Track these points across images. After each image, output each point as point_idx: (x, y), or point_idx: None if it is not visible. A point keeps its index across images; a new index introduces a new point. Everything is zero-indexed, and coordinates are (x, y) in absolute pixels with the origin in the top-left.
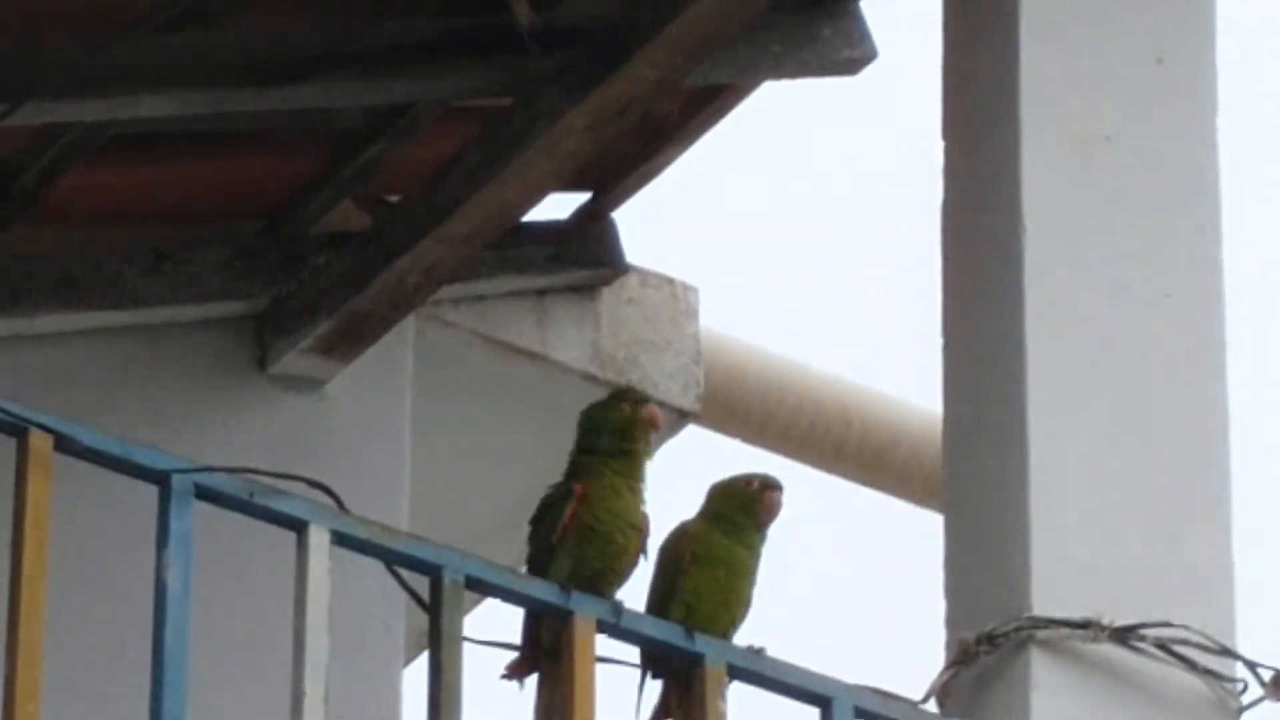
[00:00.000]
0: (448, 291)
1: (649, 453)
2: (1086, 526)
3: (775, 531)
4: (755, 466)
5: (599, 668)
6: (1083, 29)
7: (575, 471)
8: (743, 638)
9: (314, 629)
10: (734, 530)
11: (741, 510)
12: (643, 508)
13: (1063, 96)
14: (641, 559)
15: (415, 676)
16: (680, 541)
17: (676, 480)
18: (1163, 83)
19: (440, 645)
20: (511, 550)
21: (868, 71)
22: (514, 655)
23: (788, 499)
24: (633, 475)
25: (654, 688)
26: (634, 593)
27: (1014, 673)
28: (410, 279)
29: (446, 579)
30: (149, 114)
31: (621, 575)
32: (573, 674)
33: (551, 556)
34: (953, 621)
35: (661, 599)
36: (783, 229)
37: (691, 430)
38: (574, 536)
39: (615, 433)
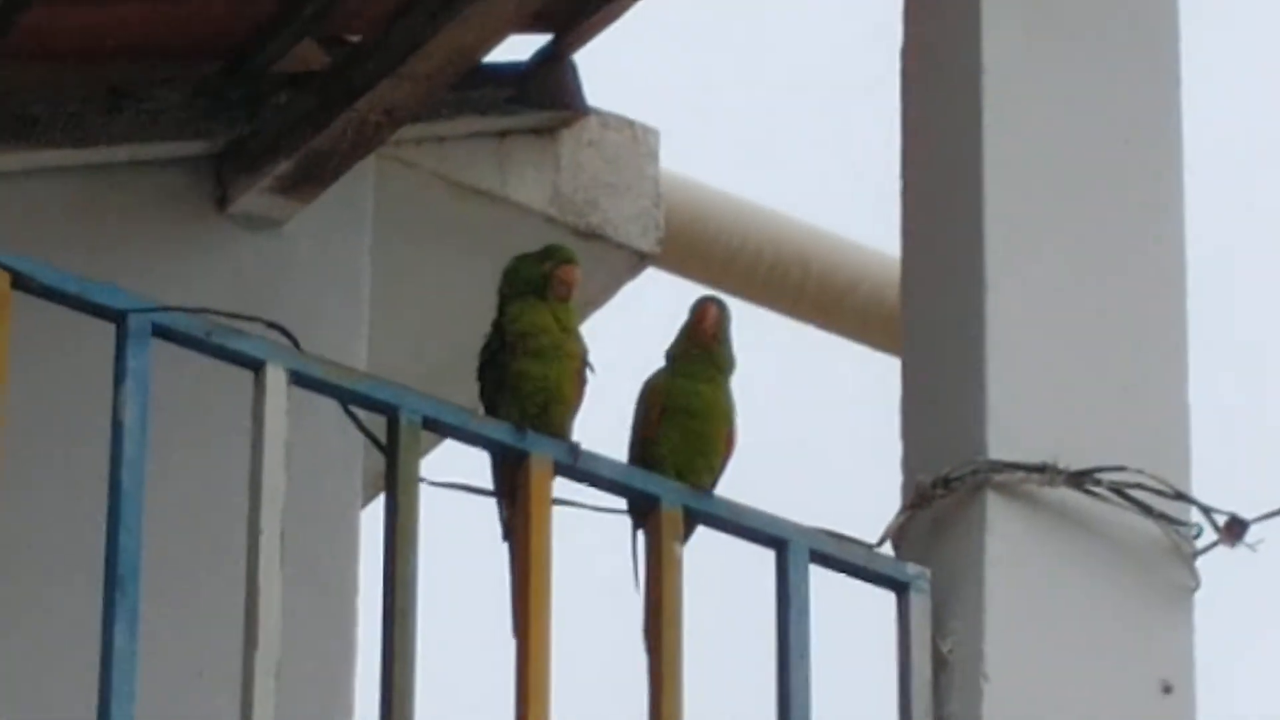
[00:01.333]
0: (408, 132)
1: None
2: (1043, 371)
3: (736, 376)
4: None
5: (559, 512)
6: None
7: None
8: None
9: (271, 469)
10: (696, 371)
11: (534, 286)
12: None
13: None
14: (589, 377)
15: (372, 518)
16: (648, 397)
17: (637, 322)
18: None
19: (397, 487)
20: (469, 392)
21: None
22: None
23: (747, 341)
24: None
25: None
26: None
27: (969, 516)
28: (371, 119)
29: (404, 419)
30: None
31: (569, 405)
32: (529, 516)
33: (500, 397)
34: (908, 465)
35: (640, 458)
36: (744, 71)
37: (652, 273)
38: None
39: (534, 286)
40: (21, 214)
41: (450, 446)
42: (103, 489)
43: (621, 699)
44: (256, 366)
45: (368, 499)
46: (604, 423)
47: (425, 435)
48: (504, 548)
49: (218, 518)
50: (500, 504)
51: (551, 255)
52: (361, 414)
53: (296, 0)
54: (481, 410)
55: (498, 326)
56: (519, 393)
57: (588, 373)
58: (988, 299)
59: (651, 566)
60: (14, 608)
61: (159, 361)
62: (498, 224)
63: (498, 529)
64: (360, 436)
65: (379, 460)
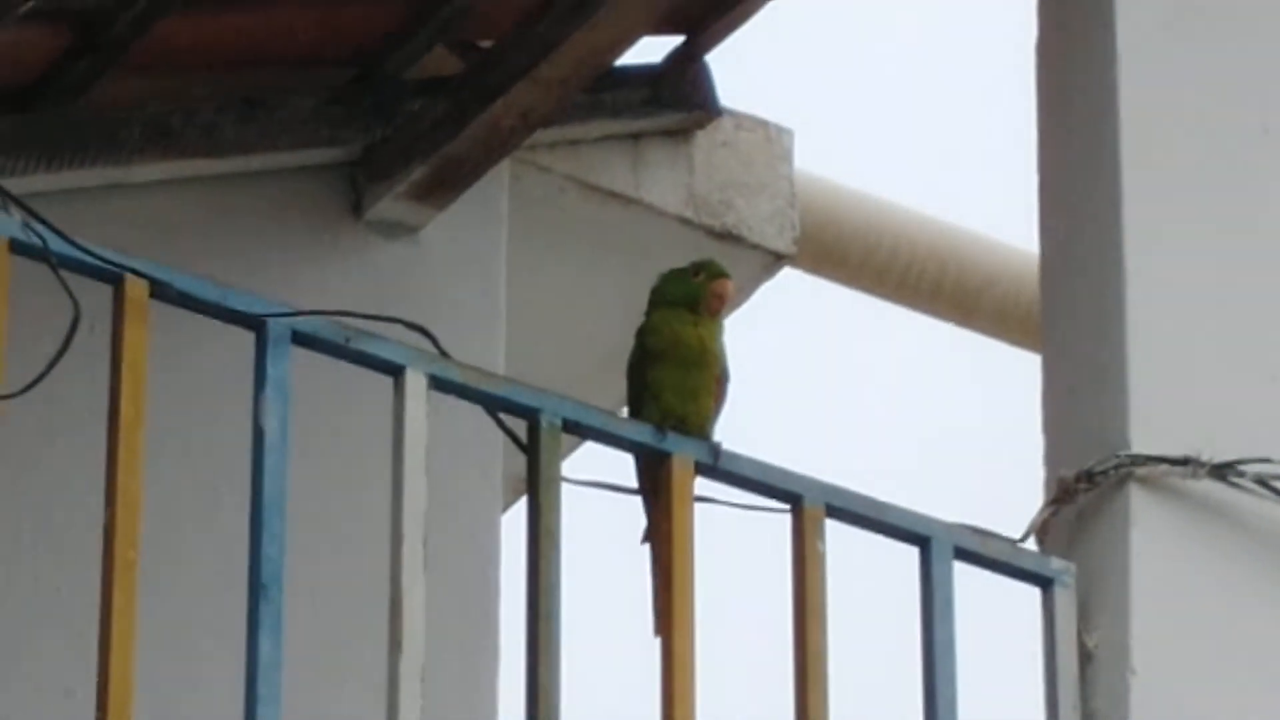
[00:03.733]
0: (542, 136)
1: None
2: (1185, 363)
3: (876, 374)
4: (850, 307)
5: (699, 508)
6: None
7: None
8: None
9: (412, 473)
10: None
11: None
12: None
13: None
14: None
15: (514, 520)
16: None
17: (773, 322)
18: None
19: (539, 488)
20: (608, 393)
21: None
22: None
23: (885, 340)
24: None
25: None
26: None
27: (1113, 510)
28: (504, 123)
29: (544, 422)
30: None
31: (708, 410)
32: (670, 516)
33: (641, 407)
34: (1051, 460)
35: (634, 402)
36: (877, 70)
37: (787, 273)
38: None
39: (683, 299)
40: (159, 224)
41: (591, 449)
42: (245, 497)
43: (764, 697)
44: (396, 372)
45: (508, 503)
46: (739, 420)
47: (566, 438)
48: (644, 549)
49: (360, 524)
50: (645, 503)
51: (705, 269)
52: (502, 415)
53: (429, 6)
54: (626, 412)
55: (640, 334)
56: (660, 400)
57: (726, 380)
58: (1127, 292)
59: (795, 565)
60: (159, 616)
61: (298, 368)
62: (632, 227)
63: (638, 530)
64: (500, 439)
65: (519, 463)
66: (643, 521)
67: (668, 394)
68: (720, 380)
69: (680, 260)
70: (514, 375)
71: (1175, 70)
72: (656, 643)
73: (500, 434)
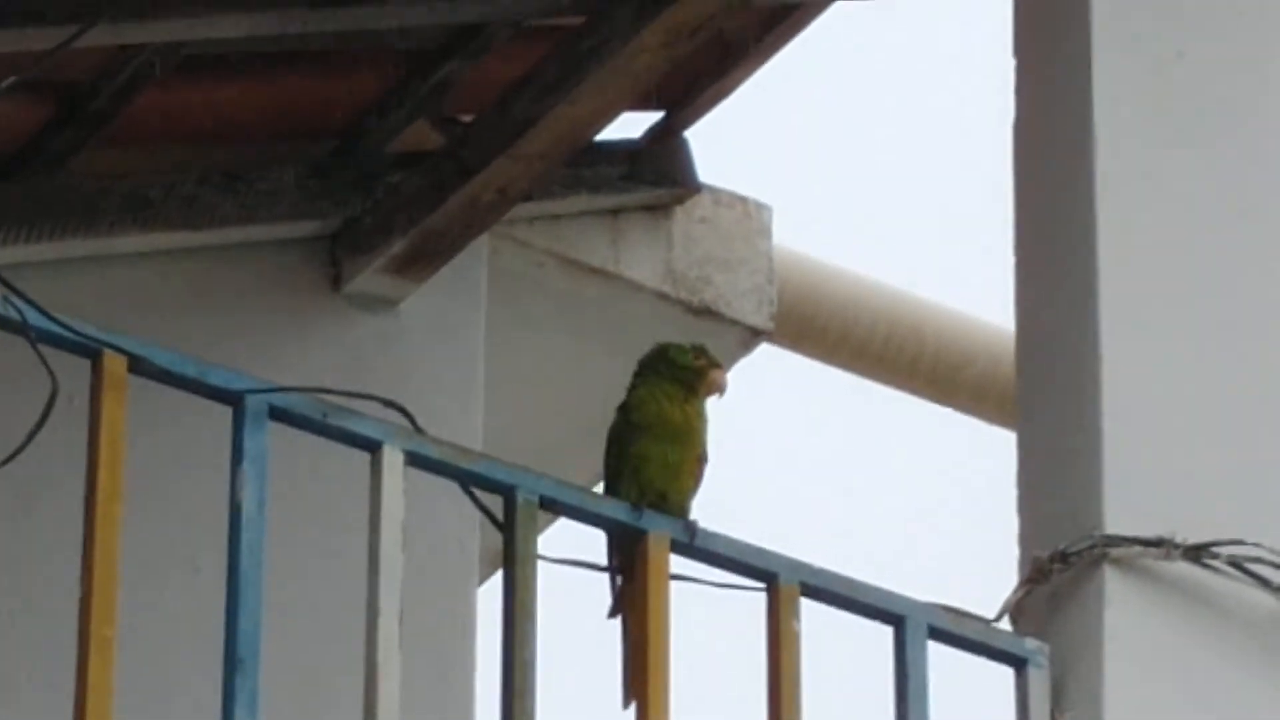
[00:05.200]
0: (521, 210)
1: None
2: (1160, 443)
3: (853, 451)
4: (828, 383)
5: (675, 586)
6: None
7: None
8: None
9: (388, 548)
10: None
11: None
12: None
13: (1134, 12)
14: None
15: (490, 595)
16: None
17: (750, 398)
18: None
19: (515, 564)
20: (586, 468)
21: None
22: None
23: (862, 416)
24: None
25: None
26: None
27: (1087, 590)
28: (484, 198)
29: (520, 498)
30: (221, 35)
31: (688, 487)
32: (646, 594)
33: (620, 480)
34: (1026, 539)
35: (612, 474)
36: (855, 147)
37: (765, 348)
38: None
39: (677, 375)
40: (137, 296)
41: (562, 522)
42: (221, 569)
43: None
44: (373, 448)
45: (484, 576)
46: (715, 496)
47: (542, 514)
48: (612, 624)
49: (336, 598)
50: (613, 580)
51: (705, 354)
52: (478, 491)
53: (408, 80)
54: (603, 485)
55: (624, 408)
56: (640, 474)
57: (704, 461)
58: (1103, 372)
59: (770, 643)
60: (136, 690)
61: (276, 442)
62: (611, 302)
63: (607, 603)
64: (476, 513)
65: (495, 537)
66: (610, 596)
67: (649, 469)
68: (699, 460)
69: (658, 336)
70: (492, 447)
71: (1152, 151)
72: (627, 716)
73: (478, 507)
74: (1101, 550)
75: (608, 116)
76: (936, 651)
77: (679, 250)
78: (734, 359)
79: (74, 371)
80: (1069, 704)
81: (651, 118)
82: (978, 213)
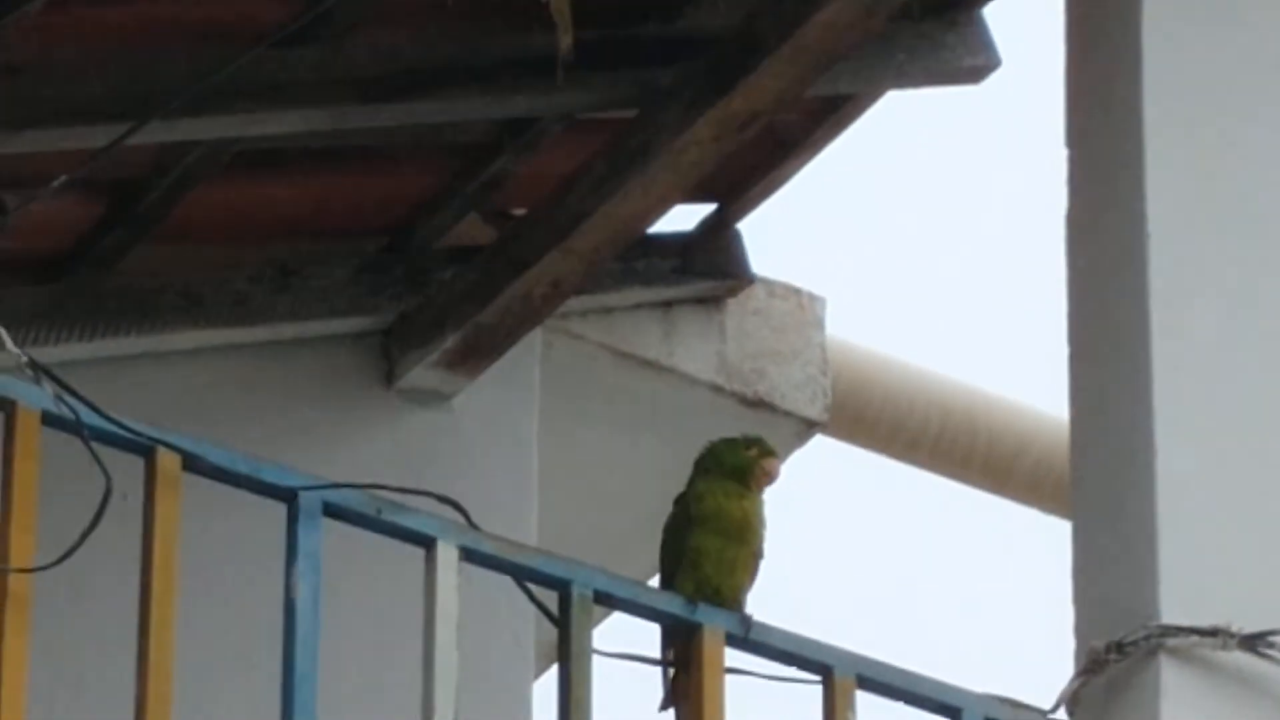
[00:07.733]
0: (574, 304)
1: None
2: (1215, 532)
3: (908, 542)
4: (882, 474)
5: (730, 679)
6: (1207, 32)
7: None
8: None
9: (443, 644)
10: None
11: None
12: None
13: (1187, 102)
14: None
15: (545, 690)
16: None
17: (805, 491)
18: None
19: (570, 659)
20: (641, 562)
21: (992, 79)
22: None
23: (917, 507)
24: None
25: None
26: None
27: (1143, 681)
28: (536, 292)
29: (575, 593)
30: (272, 131)
31: (744, 582)
32: (701, 687)
33: (677, 573)
34: (1081, 630)
35: (668, 567)
36: (907, 238)
37: (819, 440)
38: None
39: (732, 470)
40: (191, 394)
41: (616, 615)
42: (276, 666)
43: None
44: (428, 544)
45: (540, 670)
46: (770, 588)
47: (597, 608)
48: (665, 716)
49: (391, 695)
50: (665, 673)
51: (757, 444)
52: (533, 586)
53: (459, 175)
54: (658, 578)
55: (682, 500)
56: (698, 568)
57: (760, 556)
58: (1158, 461)
59: None
60: None
61: (330, 538)
62: (665, 394)
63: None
64: (531, 607)
65: (551, 631)
66: (662, 689)
67: (706, 564)
68: (756, 556)
69: (712, 429)
70: (547, 541)
71: (1205, 242)
72: None
73: (533, 602)
74: (1157, 640)
75: (659, 210)
76: None
77: (732, 342)
78: (789, 451)
79: (128, 469)
80: None
81: (704, 210)
82: (1030, 302)
